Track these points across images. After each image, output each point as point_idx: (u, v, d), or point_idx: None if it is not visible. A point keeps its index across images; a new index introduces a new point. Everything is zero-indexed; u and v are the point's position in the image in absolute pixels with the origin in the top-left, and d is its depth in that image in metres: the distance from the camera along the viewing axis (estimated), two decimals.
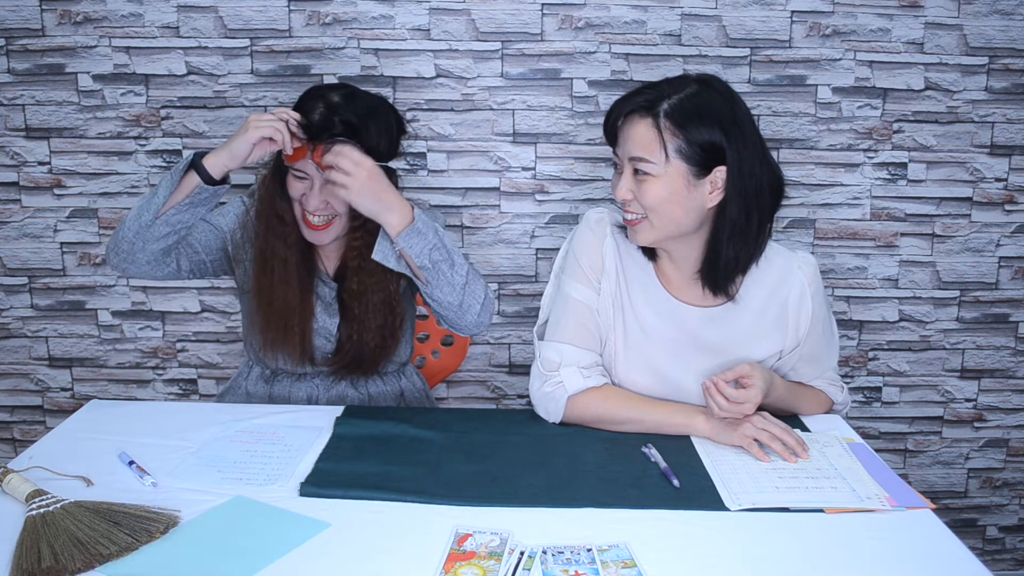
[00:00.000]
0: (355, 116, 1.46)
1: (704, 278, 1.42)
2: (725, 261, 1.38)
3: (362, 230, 1.54)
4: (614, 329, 1.46)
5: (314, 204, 1.48)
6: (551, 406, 1.43)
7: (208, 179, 1.42)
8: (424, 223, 1.43)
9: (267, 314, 1.57)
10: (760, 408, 1.35)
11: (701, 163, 1.33)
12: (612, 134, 1.40)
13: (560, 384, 1.42)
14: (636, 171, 1.35)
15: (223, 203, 1.59)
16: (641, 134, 1.34)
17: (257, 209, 1.57)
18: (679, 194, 1.34)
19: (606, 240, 1.46)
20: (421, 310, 1.97)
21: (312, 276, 1.59)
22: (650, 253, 1.46)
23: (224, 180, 1.45)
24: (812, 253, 1.72)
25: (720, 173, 1.34)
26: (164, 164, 2.09)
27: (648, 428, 1.39)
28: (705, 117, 1.32)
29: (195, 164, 1.43)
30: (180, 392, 2.23)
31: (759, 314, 1.45)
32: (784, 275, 1.45)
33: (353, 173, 1.40)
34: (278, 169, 1.53)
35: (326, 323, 1.60)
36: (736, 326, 1.45)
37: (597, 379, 1.43)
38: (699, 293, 1.45)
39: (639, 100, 1.35)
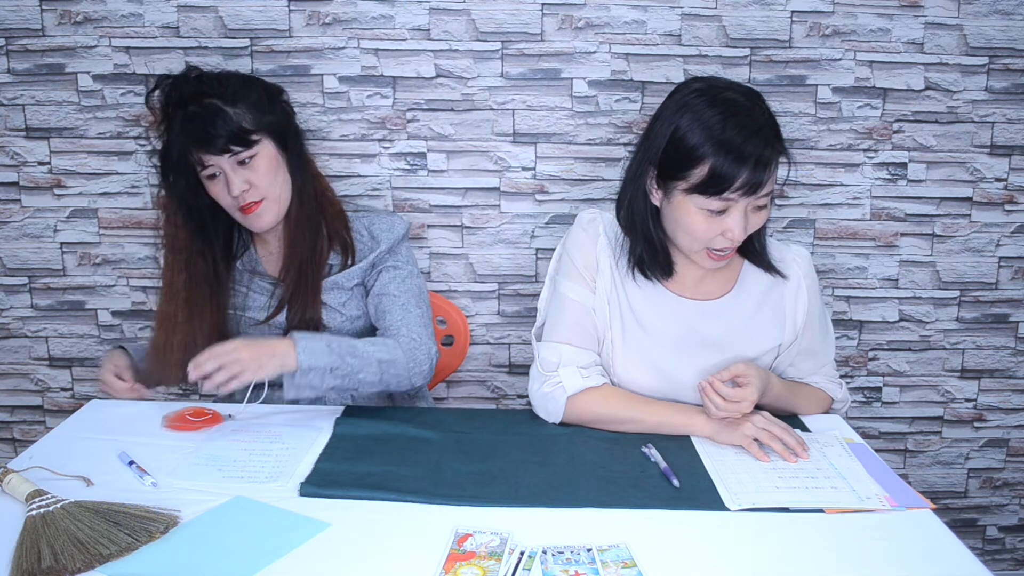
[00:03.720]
0: (221, 121, 1.47)
1: (754, 260, 1.45)
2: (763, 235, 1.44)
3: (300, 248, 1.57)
4: (611, 327, 1.46)
5: (238, 186, 1.49)
6: (551, 406, 1.43)
7: None
8: (309, 356, 1.40)
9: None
10: (758, 408, 1.35)
11: None
12: (752, 181, 1.30)
13: (559, 384, 1.42)
14: (757, 206, 1.34)
15: None
16: (772, 171, 1.32)
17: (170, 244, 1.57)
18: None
19: (599, 239, 1.47)
20: None
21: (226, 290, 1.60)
22: (668, 270, 1.45)
23: None
24: (812, 253, 1.72)
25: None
26: None
27: (648, 428, 1.39)
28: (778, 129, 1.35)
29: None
30: (180, 392, 2.23)
31: (757, 307, 1.46)
32: (780, 268, 1.46)
33: (228, 361, 1.35)
34: (180, 198, 1.55)
35: (262, 316, 1.61)
36: (734, 320, 1.45)
37: (596, 379, 1.43)
38: (697, 287, 1.45)
39: (766, 134, 1.31)
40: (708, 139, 1.28)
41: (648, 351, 1.45)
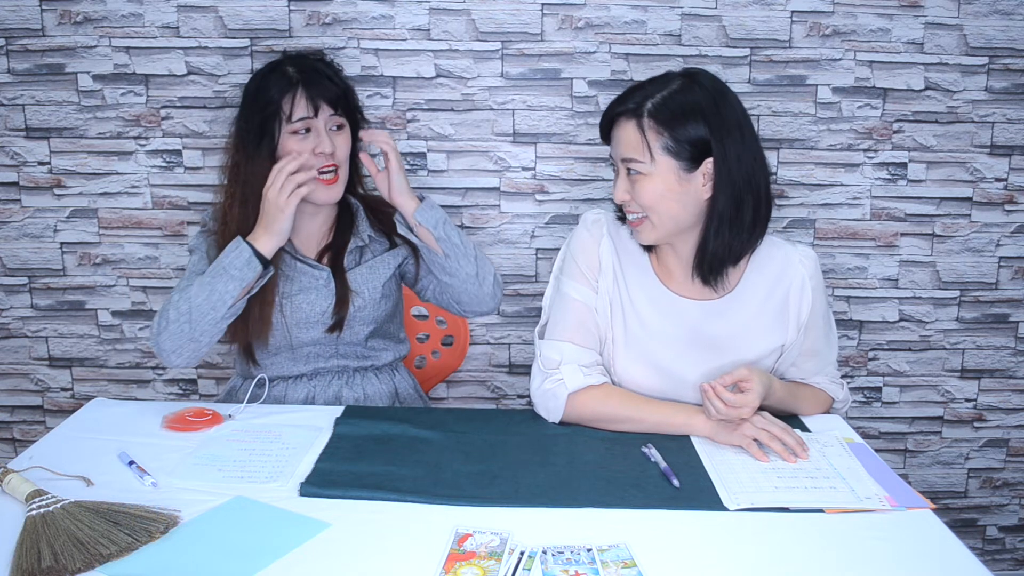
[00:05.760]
0: (342, 84, 1.59)
1: (695, 269, 1.43)
2: (714, 251, 1.40)
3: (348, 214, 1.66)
4: (613, 327, 1.47)
5: (329, 146, 1.54)
6: (551, 403, 1.43)
7: (265, 262, 1.50)
8: (429, 201, 1.56)
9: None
10: (759, 409, 1.35)
11: (690, 157, 1.36)
12: (607, 137, 1.45)
13: (560, 381, 1.42)
14: (629, 171, 1.40)
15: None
16: (628, 136, 1.38)
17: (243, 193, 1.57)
18: (672, 189, 1.37)
19: (603, 240, 1.48)
20: (420, 310, 1.97)
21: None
22: (648, 246, 1.48)
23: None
24: None
25: (709, 165, 1.36)
26: (164, 164, 2.09)
27: (648, 428, 1.39)
28: (688, 113, 1.36)
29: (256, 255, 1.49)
30: (180, 392, 2.23)
31: (760, 308, 1.46)
32: (785, 268, 1.46)
33: (393, 155, 1.53)
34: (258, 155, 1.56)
35: (322, 307, 1.60)
36: (737, 320, 1.45)
37: (597, 377, 1.43)
38: (699, 287, 1.45)
39: (627, 104, 1.40)
40: None
41: (650, 351, 1.46)
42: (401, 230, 1.57)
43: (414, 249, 1.62)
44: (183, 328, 1.47)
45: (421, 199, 1.55)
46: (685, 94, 1.37)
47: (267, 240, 1.49)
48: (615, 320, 1.47)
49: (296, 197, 1.48)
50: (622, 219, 1.49)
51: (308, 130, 1.53)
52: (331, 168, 1.55)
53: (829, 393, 1.51)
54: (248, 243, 1.48)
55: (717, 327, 1.45)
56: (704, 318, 1.45)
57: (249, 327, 1.55)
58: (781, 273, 1.46)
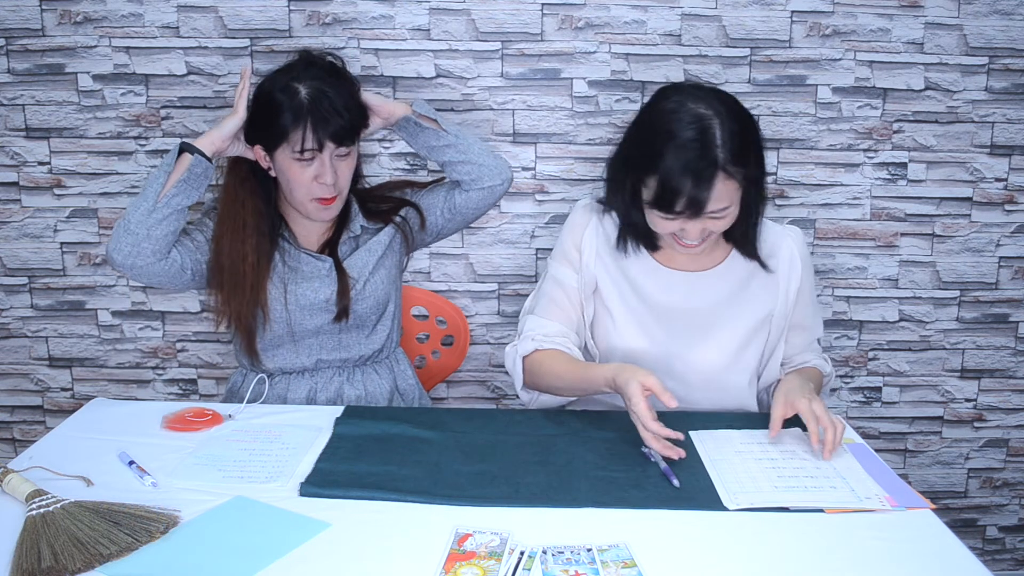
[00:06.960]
0: (350, 114, 1.55)
1: (740, 249, 1.50)
2: (752, 226, 1.47)
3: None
4: (609, 303, 1.52)
5: (331, 177, 1.54)
6: (510, 367, 1.53)
7: (196, 152, 1.52)
8: (417, 100, 1.69)
9: (226, 275, 1.58)
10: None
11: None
12: (672, 207, 1.36)
13: (515, 347, 1.53)
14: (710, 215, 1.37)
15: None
16: (720, 191, 1.34)
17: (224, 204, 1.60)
18: (737, 206, 1.39)
19: (590, 224, 1.55)
20: (421, 310, 1.97)
21: (272, 248, 1.62)
22: (652, 245, 1.52)
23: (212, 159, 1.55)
24: (812, 253, 1.74)
25: None
26: None
27: (575, 389, 1.45)
28: (752, 143, 1.37)
29: (186, 149, 1.52)
30: (180, 392, 2.23)
31: (748, 277, 1.52)
32: (775, 243, 1.53)
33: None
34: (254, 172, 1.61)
35: (325, 294, 1.62)
36: (727, 288, 1.52)
37: (551, 344, 1.50)
38: (692, 259, 1.51)
39: (705, 165, 1.32)
40: (659, 166, 1.34)
41: (646, 322, 1.51)
42: (404, 137, 1.69)
43: (414, 207, 1.71)
44: (120, 225, 1.50)
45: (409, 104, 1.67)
46: (740, 124, 1.35)
47: (207, 138, 1.53)
48: (612, 296, 1.52)
49: (243, 97, 1.55)
50: (623, 235, 1.52)
51: (313, 157, 1.54)
52: (333, 195, 1.58)
53: (819, 368, 1.58)
54: (185, 142, 1.52)
55: (707, 297, 1.51)
56: (695, 289, 1.51)
57: (245, 294, 1.57)
58: (771, 248, 1.53)
